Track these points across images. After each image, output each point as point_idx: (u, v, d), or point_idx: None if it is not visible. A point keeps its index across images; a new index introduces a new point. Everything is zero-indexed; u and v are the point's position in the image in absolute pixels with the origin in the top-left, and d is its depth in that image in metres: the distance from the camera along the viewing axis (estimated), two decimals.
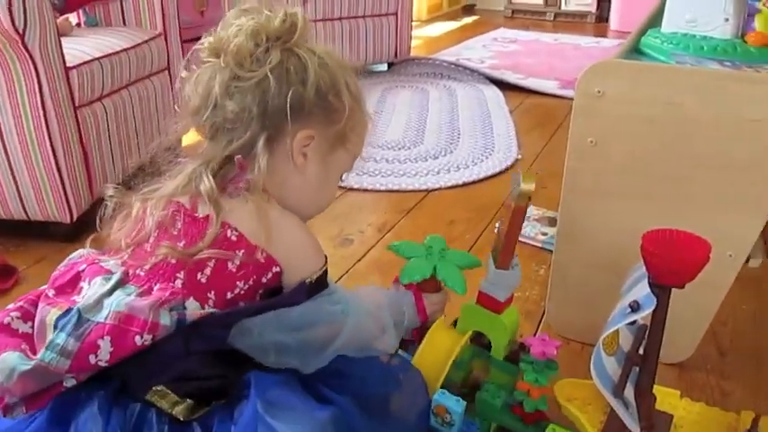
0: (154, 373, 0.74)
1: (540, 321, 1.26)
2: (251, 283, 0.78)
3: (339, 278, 1.40)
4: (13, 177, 1.43)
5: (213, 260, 0.76)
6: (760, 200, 0.97)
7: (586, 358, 1.13)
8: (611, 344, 0.87)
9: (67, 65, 1.43)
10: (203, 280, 0.76)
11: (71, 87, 1.43)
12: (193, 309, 0.75)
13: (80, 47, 1.55)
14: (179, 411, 0.74)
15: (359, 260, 1.48)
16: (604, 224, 1.08)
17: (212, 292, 0.77)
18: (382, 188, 1.87)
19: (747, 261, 1.39)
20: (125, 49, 1.64)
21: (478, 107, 2.63)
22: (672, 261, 0.78)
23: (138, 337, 0.71)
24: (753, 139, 0.93)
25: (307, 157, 0.83)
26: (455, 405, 0.85)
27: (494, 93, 2.83)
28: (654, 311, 0.82)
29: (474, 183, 1.92)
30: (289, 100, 0.78)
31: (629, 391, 0.88)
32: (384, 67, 3.21)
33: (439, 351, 0.97)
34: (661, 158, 1.00)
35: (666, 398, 0.95)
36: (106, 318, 0.71)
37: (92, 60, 1.51)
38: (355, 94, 0.85)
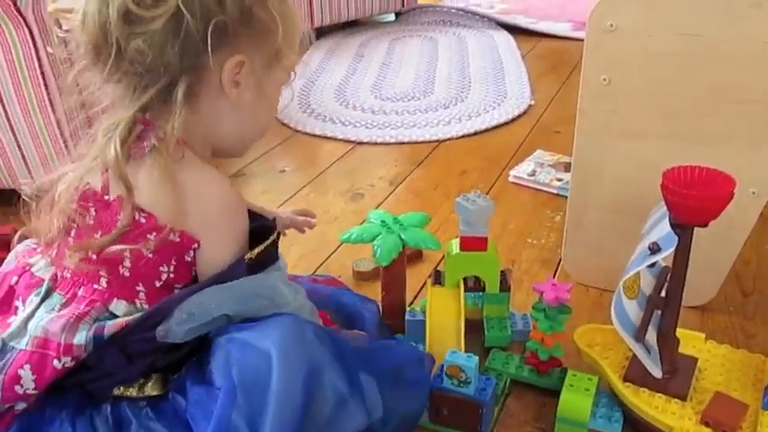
0: (108, 385, 0.71)
1: (557, 269, 1.23)
2: (175, 263, 0.71)
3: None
4: (19, 147, 1.41)
5: (128, 250, 0.69)
6: None
7: (606, 305, 1.11)
8: (631, 287, 0.85)
9: (64, 27, 1.39)
10: (126, 273, 0.70)
11: (69, 51, 1.40)
12: (122, 311, 0.70)
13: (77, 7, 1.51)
14: (150, 389, 0.71)
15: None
16: (620, 166, 1.04)
17: (140, 284, 0.71)
18: (392, 140, 1.83)
19: None
20: None
21: (489, 54, 2.55)
22: (694, 198, 0.74)
23: (56, 361, 0.67)
24: None
25: (240, 85, 0.72)
26: (467, 361, 0.83)
27: (505, 38, 2.75)
28: (676, 252, 0.80)
29: (486, 131, 1.87)
30: (210, 30, 0.66)
31: (651, 336, 0.86)
32: (392, 17, 3.13)
33: (448, 315, 0.96)
34: (678, 94, 0.95)
35: (691, 341, 0.93)
36: (27, 344, 0.68)
37: None
38: None
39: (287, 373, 0.65)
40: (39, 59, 1.33)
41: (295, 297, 0.78)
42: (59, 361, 0.67)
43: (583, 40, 0.98)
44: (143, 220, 0.69)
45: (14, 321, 0.71)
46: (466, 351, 0.89)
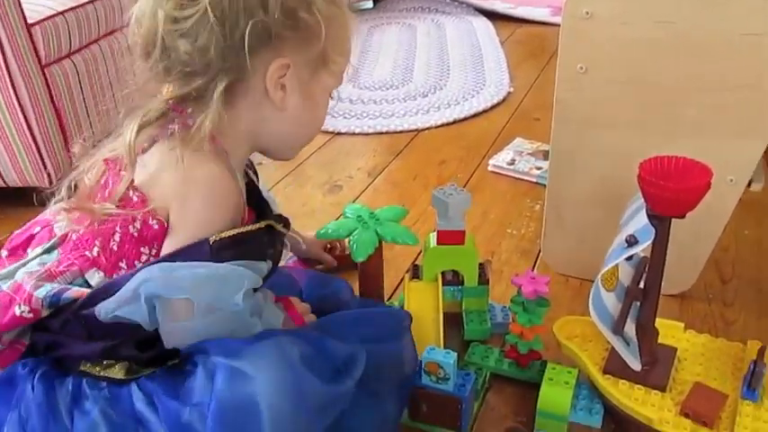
0: (74, 357, 0.71)
1: (537, 259, 1.22)
2: (156, 248, 0.71)
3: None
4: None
5: (119, 225, 0.71)
6: (760, 121, 0.92)
7: (585, 295, 1.09)
8: (610, 279, 0.84)
9: (28, 21, 1.35)
10: (114, 248, 0.71)
11: (35, 45, 1.36)
12: (95, 282, 0.71)
13: (41, 1, 1.47)
14: (115, 372, 0.70)
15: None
16: (598, 155, 1.03)
17: (123, 262, 0.71)
18: (371, 131, 1.81)
19: (749, 185, 1.35)
20: (91, 1, 1.56)
21: (468, 40, 2.53)
22: (670, 190, 0.73)
23: (17, 307, 0.69)
24: (751, 56, 0.88)
25: (285, 89, 0.72)
26: (445, 358, 0.82)
27: (484, 24, 2.72)
28: (654, 244, 0.79)
29: (465, 119, 1.86)
30: (248, 31, 0.66)
31: (629, 328, 0.85)
32: (370, 4, 3.09)
33: (426, 309, 0.95)
34: (655, 83, 0.94)
35: (670, 330, 0.93)
36: (8, 287, 0.71)
37: (55, 15, 1.43)
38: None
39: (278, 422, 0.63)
40: (3, 53, 1.30)
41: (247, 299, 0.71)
42: (20, 308, 0.69)
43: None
44: (135, 199, 0.71)
45: (14, 265, 0.74)
46: (445, 345, 0.88)
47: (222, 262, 0.69)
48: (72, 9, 1.49)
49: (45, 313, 0.70)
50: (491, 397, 0.93)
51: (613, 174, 1.03)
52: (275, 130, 0.76)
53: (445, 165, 1.60)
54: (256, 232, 0.74)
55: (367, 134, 1.80)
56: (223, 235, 0.70)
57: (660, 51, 0.91)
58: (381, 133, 1.80)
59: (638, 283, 0.84)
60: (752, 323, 1.05)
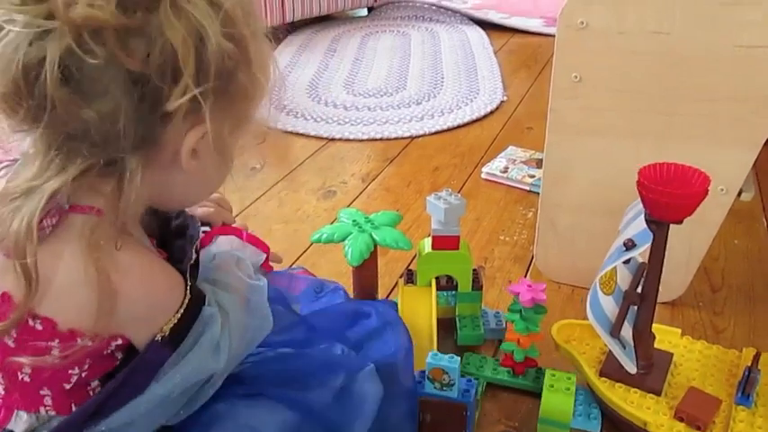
0: None
1: (529, 266, 1.23)
2: (89, 363, 0.58)
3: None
4: None
5: (27, 356, 0.56)
6: (751, 132, 0.93)
7: (577, 302, 1.12)
8: (608, 283, 0.85)
9: None
10: (26, 379, 0.58)
11: None
12: (22, 426, 0.59)
13: None
14: None
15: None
16: (592, 164, 1.04)
17: (45, 389, 0.58)
18: (364, 137, 1.82)
19: (739, 195, 1.37)
20: None
21: (462, 49, 2.55)
22: (669, 196, 0.75)
23: None
24: (744, 68, 0.89)
25: (198, 154, 0.58)
26: (450, 362, 0.81)
27: (477, 34, 2.74)
28: (652, 248, 0.80)
29: (458, 127, 1.87)
30: (171, 100, 0.51)
31: (626, 331, 0.86)
32: (364, 11, 3.11)
33: (419, 315, 0.95)
34: (649, 93, 0.96)
35: (666, 336, 0.94)
36: None
37: None
38: (264, 53, 0.60)
39: None
40: None
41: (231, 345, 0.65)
42: None
43: (555, 36, 0.98)
44: (39, 327, 0.55)
45: None
46: (439, 351, 0.89)
47: (176, 348, 0.60)
48: None
49: None
50: (483, 401, 0.93)
51: (607, 182, 1.04)
52: (177, 193, 0.63)
53: (439, 172, 1.61)
54: (192, 295, 0.62)
55: (361, 140, 1.81)
56: (167, 328, 0.59)
57: (654, 61, 0.93)
58: (375, 140, 1.81)
59: (636, 288, 0.85)
60: (741, 332, 1.06)
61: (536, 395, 0.93)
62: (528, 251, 1.27)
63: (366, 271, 0.99)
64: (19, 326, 0.55)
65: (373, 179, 1.59)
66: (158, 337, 0.59)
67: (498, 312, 1.07)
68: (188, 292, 0.61)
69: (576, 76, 0.98)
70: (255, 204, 1.47)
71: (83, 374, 0.59)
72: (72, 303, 0.54)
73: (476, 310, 1.04)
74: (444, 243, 0.97)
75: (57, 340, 0.55)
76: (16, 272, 0.51)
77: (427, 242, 1.00)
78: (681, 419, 0.82)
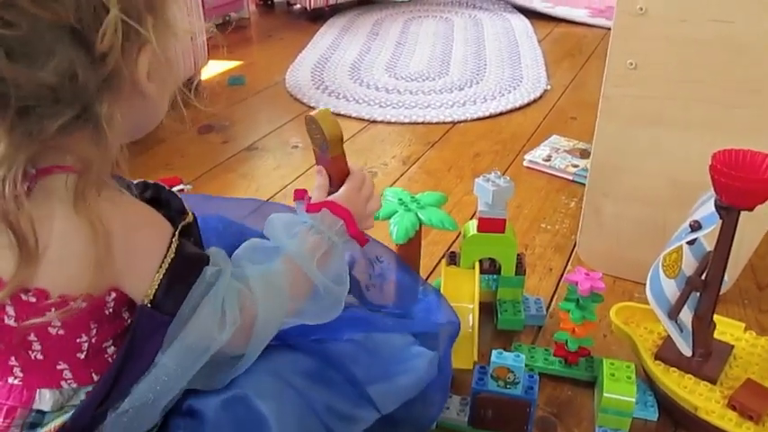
0: None
1: (571, 255, 1.22)
2: (96, 326, 0.57)
3: None
4: None
5: (30, 332, 0.55)
6: None
7: (619, 293, 1.11)
8: (672, 267, 0.85)
9: None
10: (39, 357, 0.57)
11: None
12: (49, 404, 0.58)
13: None
14: None
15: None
16: (642, 153, 1.03)
17: (61, 363, 0.57)
18: (406, 120, 1.82)
19: None
20: None
21: (505, 37, 2.53)
22: (742, 180, 0.74)
23: None
24: None
25: (152, 75, 0.56)
26: (516, 361, 0.80)
27: (521, 21, 2.71)
28: (720, 235, 0.80)
29: (501, 114, 1.85)
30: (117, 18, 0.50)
31: (685, 315, 0.86)
32: None
33: (461, 297, 0.95)
34: (707, 83, 0.94)
35: (729, 329, 0.94)
36: None
37: None
38: None
39: None
40: None
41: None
42: None
43: (600, 27, 0.97)
44: (32, 299, 0.53)
45: None
46: (479, 334, 0.89)
47: (174, 311, 0.58)
48: None
49: None
50: None
51: (657, 173, 1.03)
52: (141, 120, 0.61)
53: (480, 158, 1.60)
54: (179, 251, 0.58)
55: (402, 123, 1.81)
56: (151, 292, 0.56)
57: (715, 51, 0.91)
58: (417, 123, 1.81)
59: (701, 275, 0.85)
60: None
61: (577, 382, 0.93)
62: (569, 240, 1.26)
63: (410, 249, 0.99)
64: (15, 303, 0.54)
65: (414, 162, 1.59)
66: (145, 301, 0.56)
67: (539, 299, 1.06)
68: (172, 248, 0.57)
69: (631, 64, 0.96)
70: (296, 182, 1.48)
71: (92, 340, 0.57)
72: (61, 266, 0.53)
73: (517, 295, 1.03)
74: (490, 226, 0.97)
75: (53, 309, 0.53)
76: (10, 241, 0.50)
77: (472, 224, 0.99)
78: (733, 408, 0.81)
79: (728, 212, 0.77)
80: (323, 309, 0.69)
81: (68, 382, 0.58)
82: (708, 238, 0.82)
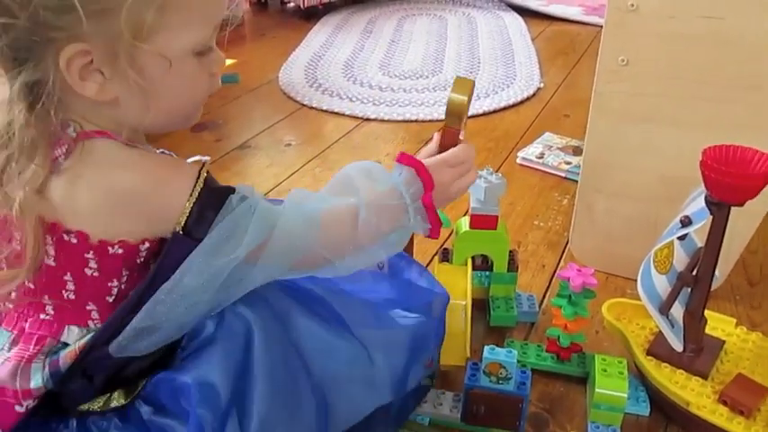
0: (73, 400, 0.66)
1: (563, 252, 1.22)
2: (126, 274, 0.63)
3: None
4: None
5: (68, 273, 0.61)
6: None
7: (611, 289, 1.11)
8: (663, 263, 0.85)
9: None
10: (71, 296, 0.62)
11: None
12: (74, 338, 0.64)
13: None
14: (116, 399, 0.66)
15: None
16: (634, 150, 1.03)
17: (90, 304, 0.63)
18: (400, 118, 1.82)
19: None
20: None
21: (499, 35, 2.53)
22: (732, 176, 0.74)
23: (17, 407, 0.63)
24: None
25: (103, 81, 0.58)
26: (508, 357, 0.80)
27: (515, 19, 2.72)
28: (710, 231, 0.80)
29: (494, 112, 1.85)
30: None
31: (676, 310, 0.86)
32: None
33: (454, 293, 0.94)
34: (698, 79, 0.94)
35: (721, 324, 0.94)
36: None
37: None
38: None
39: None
40: None
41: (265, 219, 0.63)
42: (21, 405, 0.63)
43: (594, 25, 0.97)
44: (74, 240, 0.60)
45: None
46: (472, 330, 0.89)
47: (201, 239, 0.60)
48: None
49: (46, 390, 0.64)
50: None
51: (648, 169, 1.03)
52: (126, 115, 0.62)
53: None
54: (207, 181, 0.62)
55: (396, 121, 1.81)
56: (183, 219, 0.60)
57: (705, 47, 0.91)
58: (410, 121, 1.81)
59: (692, 271, 0.85)
60: None
61: (570, 378, 0.94)
62: (562, 237, 1.26)
63: (405, 247, 0.99)
64: (56, 243, 0.59)
65: None
66: (177, 228, 0.60)
67: (532, 295, 1.07)
68: (201, 179, 0.61)
69: (623, 60, 0.96)
70: (289, 180, 1.49)
71: (122, 286, 0.63)
72: (99, 217, 0.59)
73: (510, 291, 1.04)
74: (483, 222, 0.97)
75: (91, 252, 0.60)
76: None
77: (465, 221, 0.99)
78: (724, 403, 0.82)
79: (719, 208, 0.78)
80: (354, 263, 0.69)
81: (95, 321, 0.64)
82: (699, 233, 0.83)
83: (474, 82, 0.71)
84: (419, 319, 0.81)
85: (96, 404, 0.66)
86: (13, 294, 0.63)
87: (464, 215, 1.00)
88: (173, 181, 0.61)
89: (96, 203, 0.59)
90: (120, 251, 0.60)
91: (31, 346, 0.63)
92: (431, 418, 0.86)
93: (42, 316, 0.63)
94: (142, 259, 0.62)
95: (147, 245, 0.62)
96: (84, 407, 0.66)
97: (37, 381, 0.63)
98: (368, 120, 1.81)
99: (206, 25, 0.62)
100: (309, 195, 0.69)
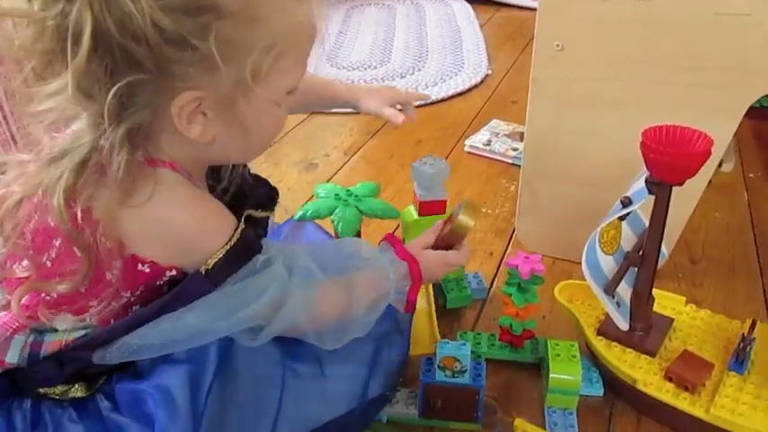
0: (34, 381, 0.67)
1: (511, 239, 1.23)
2: (143, 289, 0.64)
3: (308, 200, 1.35)
4: None
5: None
6: (733, 101, 0.92)
7: (558, 273, 1.12)
8: (610, 243, 0.86)
9: None
10: (81, 290, 0.63)
11: None
12: (65, 326, 0.64)
13: None
14: (75, 391, 0.67)
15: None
16: (573, 134, 1.03)
17: (94, 301, 0.63)
18: (348, 110, 1.79)
19: (720, 166, 1.37)
20: None
21: (447, 23, 2.53)
22: (670, 155, 0.75)
23: None
24: (724, 36, 0.88)
25: (205, 122, 0.61)
26: (461, 350, 0.80)
27: (463, 7, 2.72)
28: (653, 211, 0.81)
29: (442, 101, 1.85)
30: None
31: (623, 290, 0.87)
32: None
33: None
34: (631, 62, 0.95)
35: (670, 303, 0.96)
36: None
37: None
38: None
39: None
40: None
41: (280, 285, 0.67)
42: None
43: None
44: (108, 245, 0.60)
45: None
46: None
47: (219, 285, 0.64)
48: None
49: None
50: None
51: (588, 152, 1.04)
52: (220, 155, 0.66)
53: (422, 144, 1.60)
54: (243, 235, 0.65)
55: (344, 113, 1.79)
56: (212, 261, 0.63)
57: (636, 30, 0.92)
58: (358, 113, 1.79)
59: (639, 251, 0.86)
60: (720, 304, 1.06)
61: (523, 365, 0.94)
62: (510, 224, 1.27)
63: None
64: (92, 238, 0.60)
65: (356, 152, 1.57)
66: (202, 269, 0.63)
67: (477, 273, 1.10)
68: (238, 231, 0.65)
69: (558, 45, 0.96)
70: None
71: (132, 299, 0.64)
72: (142, 237, 0.61)
73: (460, 273, 1.05)
74: (432, 208, 0.97)
75: (120, 261, 0.61)
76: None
77: (411, 210, 0.99)
78: (670, 380, 0.83)
79: (660, 188, 0.78)
80: (334, 336, 0.73)
81: (91, 317, 0.64)
82: (646, 213, 0.84)
83: (479, 209, 0.80)
84: (383, 328, 0.80)
85: (56, 391, 0.67)
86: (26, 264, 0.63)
87: (410, 205, 0.99)
88: (215, 227, 0.64)
89: (145, 229, 0.61)
90: (148, 270, 0.63)
91: (22, 318, 0.63)
92: (388, 416, 0.85)
93: (44, 294, 0.63)
94: (162, 282, 0.65)
95: (173, 272, 0.64)
96: (42, 390, 0.67)
97: (13, 356, 0.64)
98: (315, 112, 1.79)
99: (304, 65, 0.66)
100: (314, 269, 0.71)
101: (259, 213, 0.71)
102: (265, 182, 0.77)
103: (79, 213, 0.58)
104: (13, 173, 0.63)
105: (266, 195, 0.75)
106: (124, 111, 0.56)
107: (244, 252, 0.65)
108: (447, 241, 0.82)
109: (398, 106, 1.01)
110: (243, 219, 0.66)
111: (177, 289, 0.63)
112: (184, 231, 0.62)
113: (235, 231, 0.64)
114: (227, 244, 0.63)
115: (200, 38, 0.54)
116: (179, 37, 0.53)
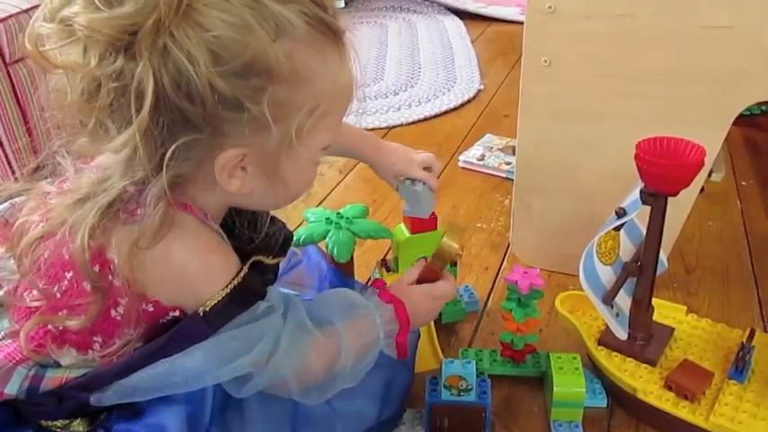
0: (38, 417, 0.67)
1: (506, 253, 1.23)
2: (145, 327, 0.64)
3: (297, 226, 1.35)
4: None
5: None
6: (720, 111, 0.94)
7: (554, 286, 1.12)
8: (608, 254, 0.86)
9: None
10: (87, 324, 0.63)
11: None
12: (68, 361, 0.65)
13: None
14: (77, 425, 0.67)
15: (319, 203, 1.43)
16: (563, 147, 1.05)
17: (98, 336, 0.64)
18: None
19: (710, 175, 1.38)
20: None
21: (439, 39, 2.55)
22: (664, 167, 0.76)
23: None
24: (709, 48, 0.90)
25: (244, 176, 0.62)
26: (466, 368, 0.80)
27: (454, 23, 2.74)
28: (650, 221, 0.82)
29: (436, 117, 1.87)
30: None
31: (623, 300, 0.88)
32: (341, 3, 3.09)
33: None
34: (618, 76, 0.96)
35: (671, 312, 0.96)
36: None
37: (19, 13, 1.41)
38: (298, 65, 0.58)
39: None
40: None
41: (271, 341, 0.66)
42: None
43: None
44: (117, 283, 0.61)
45: None
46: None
47: (217, 329, 0.63)
48: (37, 7, 1.47)
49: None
50: None
51: (578, 165, 1.05)
52: (249, 204, 0.69)
53: None
54: (245, 279, 0.65)
55: None
56: (210, 303, 0.62)
57: (622, 45, 0.93)
58: None
59: (637, 261, 0.87)
60: (715, 313, 1.07)
61: (526, 380, 0.94)
62: (504, 238, 1.27)
63: (349, 266, 0.98)
64: (100, 274, 0.60)
65: (350, 170, 1.58)
66: (200, 311, 0.62)
67: (467, 286, 1.10)
68: (240, 276, 0.64)
69: (545, 61, 0.98)
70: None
71: (135, 335, 0.64)
72: (150, 277, 0.61)
73: None
74: (424, 225, 0.97)
75: (126, 298, 0.61)
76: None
77: (402, 229, 0.99)
78: (669, 388, 0.83)
79: (655, 199, 0.80)
80: (319, 390, 0.71)
81: (95, 353, 0.64)
82: (644, 223, 0.85)
83: (464, 232, 0.79)
84: (389, 359, 0.78)
85: (57, 424, 0.67)
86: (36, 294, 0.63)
87: (400, 223, 1.00)
88: (218, 268, 0.64)
89: (151, 267, 0.61)
90: (151, 309, 0.63)
91: (27, 350, 0.63)
92: None
93: (50, 326, 0.64)
94: (165, 321, 0.65)
95: (176, 312, 0.64)
96: (45, 423, 0.67)
97: (13, 387, 0.64)
98: None
99: (340, 122, 0.68)
100: (307, 322, 0.70)
101: (270, 260, 0.71)
102: (282, 225, 0.76)
103: (92, 250, 0.59)
104: (33, 203, 0.63)
105: (282, 241, 0.75)
106: (169, 162, 0.57)
107: (244, 297, 0.65)
108: (433, 269, 0.78)
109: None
110: (249, 264, 0.66)
111: (174, 329, 0.63)
112: (187, 272, 0.62)
113: (237, 275, 0.64)
114: (227, 287, 0.63)
115: (254, 101, 0.56)
116: (234, 99, 0.55)
